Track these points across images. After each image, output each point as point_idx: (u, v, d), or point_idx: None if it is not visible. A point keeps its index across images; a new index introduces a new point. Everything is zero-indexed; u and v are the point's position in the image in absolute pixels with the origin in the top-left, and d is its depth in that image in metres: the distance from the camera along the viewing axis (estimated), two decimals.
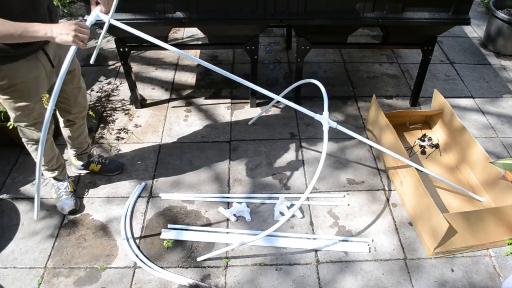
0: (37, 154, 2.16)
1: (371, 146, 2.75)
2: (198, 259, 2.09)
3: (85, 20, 2.42)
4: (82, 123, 2.32)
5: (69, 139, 2.36)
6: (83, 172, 2.54)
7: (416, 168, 2.22)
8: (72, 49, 1.60)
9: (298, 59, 2.80)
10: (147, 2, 2.40)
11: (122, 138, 2.80)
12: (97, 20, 1.72)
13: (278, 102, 3.05)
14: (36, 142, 2.07)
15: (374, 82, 3.34)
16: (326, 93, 2.15)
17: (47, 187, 2.46)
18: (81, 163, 2.49)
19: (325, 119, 2.03)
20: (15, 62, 1.71)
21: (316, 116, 2.04)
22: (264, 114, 2.97)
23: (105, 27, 2.33)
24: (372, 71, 3.46)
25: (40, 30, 1.51)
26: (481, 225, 2.11)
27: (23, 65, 1.75)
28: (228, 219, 2.30)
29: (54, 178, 2.34)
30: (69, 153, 2.48)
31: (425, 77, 2.93)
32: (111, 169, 2.54)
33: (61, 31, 1.52)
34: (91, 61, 2.47)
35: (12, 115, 1.93)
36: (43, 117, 2.00)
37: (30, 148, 2.14)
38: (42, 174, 2.49)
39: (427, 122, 2.91)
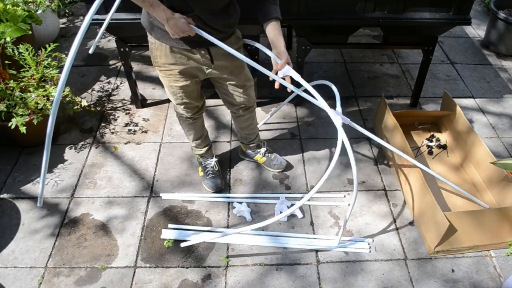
0: (187, 131, 2.33)
1: (371, 146, 2.75)
2: (182, 244, 2.12)
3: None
4: (248, 116, 2.34)
5: (238, 128, 2.47)
6: (248, 159, 2.63)
7: (420, 168, 2.21)
8: None
9: (299, 59, 2.80)
10: None
11: (123, 138, 2.80)
12: None
13: (278, 103, 3.06)
14: (186, 118, 2.23)
15: (375, 82, 3.34)
16: (337, 91, 2.17)
17: (48, 186, 2.46)
18: (249, 151, 2.57)
19: (338, 114, 2.02)
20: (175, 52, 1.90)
21: (330, 111, 1.98)
22: (263, 113, 2.97)
23: (105, 23, 2.34)
24: (372, 71, 3.46)
25: (159, 16, 1.69)
26: (484, 225, 2.11)
27: (177, 54, 1.91)
28: (228, 219, 2.30)
29: (201, 155, 2.46)
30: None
31: (425, 77, 2.93)
32: (274, 166, 2.54)
33: (170, 29, 1.70)
34: (90, 51, 2.48)
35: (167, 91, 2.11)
36: (191, 99, 2.14)
37: (181, 123, 2.32)
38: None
39: (436, 123, 2.91)
